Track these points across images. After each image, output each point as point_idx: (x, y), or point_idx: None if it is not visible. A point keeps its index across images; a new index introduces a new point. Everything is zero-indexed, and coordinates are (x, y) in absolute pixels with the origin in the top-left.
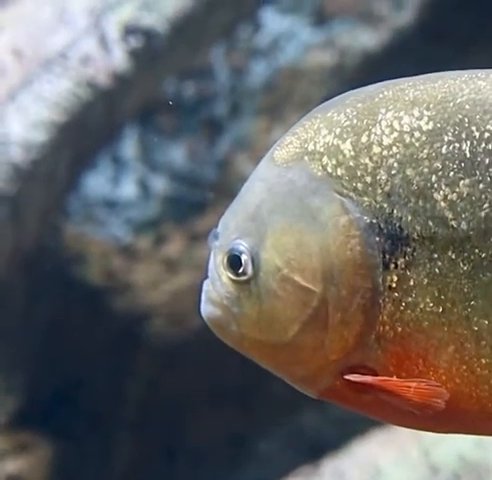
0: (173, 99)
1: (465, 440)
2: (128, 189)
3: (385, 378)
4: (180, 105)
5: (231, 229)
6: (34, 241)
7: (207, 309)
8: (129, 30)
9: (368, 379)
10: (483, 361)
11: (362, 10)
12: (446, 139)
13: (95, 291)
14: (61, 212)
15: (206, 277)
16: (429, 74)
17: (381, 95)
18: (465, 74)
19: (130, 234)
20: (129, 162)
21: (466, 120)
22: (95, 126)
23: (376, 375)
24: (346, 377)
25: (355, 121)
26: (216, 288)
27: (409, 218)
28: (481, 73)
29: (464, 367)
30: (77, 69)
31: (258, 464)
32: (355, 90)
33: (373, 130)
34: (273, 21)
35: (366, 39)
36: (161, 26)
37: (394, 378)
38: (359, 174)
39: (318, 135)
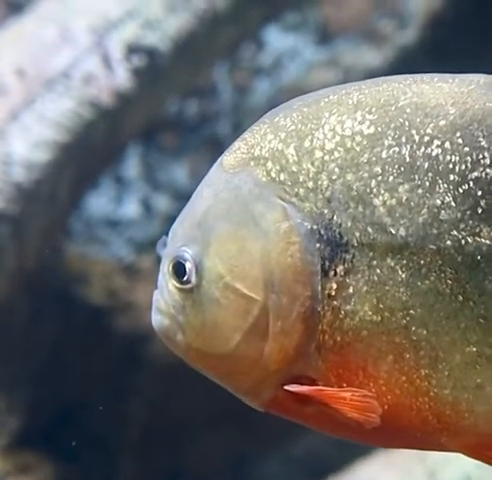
0: (176, 118)
1: (470, 461)
2: (130, 208)
3: (320, 388)
4: (183, 124)
5: (178, 236)
6: (36, 261)
7: (155, 319)
8: (132, 49)
9: (304, 389)
10: (422, 372)
11: (366, 28)
12: (386, 143)
13: (97, 311)
14: (63, 232)
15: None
16: (377, 78)
17: (326, 99)
18: (411, 77)
19: (133, 253)
20: (131, 181)
21: (407, 124)
22: (98, 145)
23: (318, 386)
24: (285, 388)
25: (299, 126)
26: (164, 297)
27: (349, 224)
28: (426, 77)
29: (404, 378)
30: (80, 88)
31: None
32: (305, 95)
33: (316, 134)
34: (276, 39)
35: (370, 57)
36: (164, 45)
37: (329, 388)
38: (301, 179)
39: (264, 140)
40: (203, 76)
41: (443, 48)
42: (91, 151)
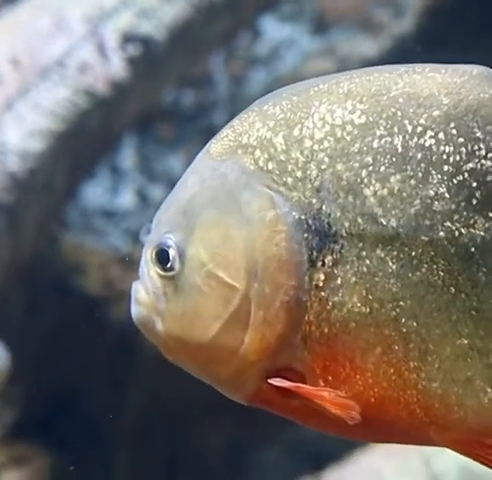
0: (172, 108)
1: None
2: (126, 199)
3: (300, 385)
4: (179, 114)
5: (162, 223)
6: (32, 251)
7: (134, 309)
8: (127, 38)
9: (285, 384)
10: (411, 364)
11: (362, 18)
12: (378, 133)
13: (94, 301)
14: (59, 222)
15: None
16: (368, 67)
17: (316, 88)
18: (402, 68)
19: (129, 244)
20: (127, 172)
21: (399, 114)
22: (93, 135)
23: (303, 378)
24: (269, 381)
25: (289, 114)
26: (144, 284)
27: (338, 214)
28: (418, 67)
29: (391, 370)
30: (75, 77)
31: (260, 474)
32: (295, 83)
33: (305, 123)
34: (273, 29)
35: (366, 47)
36: (159, 34)
37: (308, 386)
38: (290, 168)
39: (252, 128)
40: (199, 65)
41: (439, 37)
42: (86, 140)
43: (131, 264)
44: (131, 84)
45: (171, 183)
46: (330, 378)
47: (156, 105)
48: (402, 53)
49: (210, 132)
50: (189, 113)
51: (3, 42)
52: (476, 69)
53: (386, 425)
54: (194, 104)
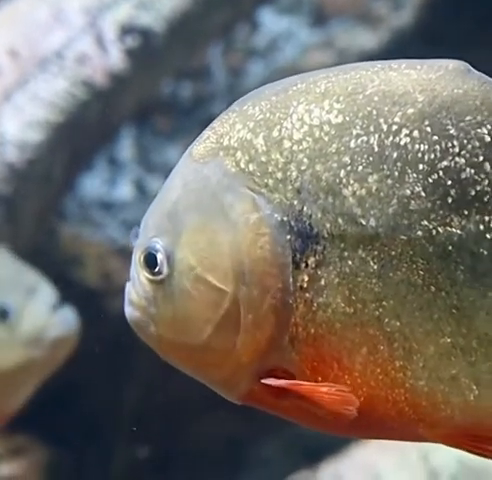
0: (170, 100)
1: None
2: (124, 190)
3: (297, 382)
4: (177, 106)
5: (149, 227)
6: (30, 242)
7: (128, 311)
8: (126, 29)
9: (281, 383)
10: (397, 363)
11: (361, 10)
12: (355, 132)
13: (91, 293)
14: (57, 213)
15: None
16: (346, 65)
17: (295, 87)
18: (379, 64)
19: (127, 236)
20: (125, 163)
21: (374, 112)
22: (91, 126)
23: (294, 379)
24: (262, 381)
25: (268, 115)
26: (135, 288)
27: (319, 215)
28: (394, 63)
29: (378, 370)
30: (73, 68)
31: (256, 469)
32: (275, 82)
33: (284, 124)
34: (271, 21)
35: (365, 39)
36: (158, 25)
37: (306, 383)
38: (270, 170)
39: (233, 130)
40: (197, 57)
41: (438, 30)
42: (85, 131)
43: (129, 256)
44: (129, 76)
45: (169, 175)
46: (320, 378)
47: (154, 97)
48: (401, 46)
49: (208, 124)
50: (187, 105)
51: (2, 33)
52: (452, 64)
53: (377, 423)
54: (192, 96)
